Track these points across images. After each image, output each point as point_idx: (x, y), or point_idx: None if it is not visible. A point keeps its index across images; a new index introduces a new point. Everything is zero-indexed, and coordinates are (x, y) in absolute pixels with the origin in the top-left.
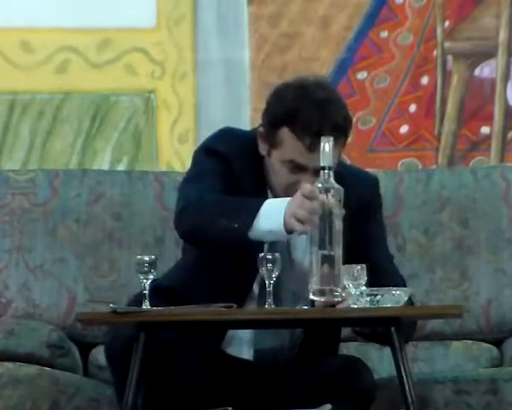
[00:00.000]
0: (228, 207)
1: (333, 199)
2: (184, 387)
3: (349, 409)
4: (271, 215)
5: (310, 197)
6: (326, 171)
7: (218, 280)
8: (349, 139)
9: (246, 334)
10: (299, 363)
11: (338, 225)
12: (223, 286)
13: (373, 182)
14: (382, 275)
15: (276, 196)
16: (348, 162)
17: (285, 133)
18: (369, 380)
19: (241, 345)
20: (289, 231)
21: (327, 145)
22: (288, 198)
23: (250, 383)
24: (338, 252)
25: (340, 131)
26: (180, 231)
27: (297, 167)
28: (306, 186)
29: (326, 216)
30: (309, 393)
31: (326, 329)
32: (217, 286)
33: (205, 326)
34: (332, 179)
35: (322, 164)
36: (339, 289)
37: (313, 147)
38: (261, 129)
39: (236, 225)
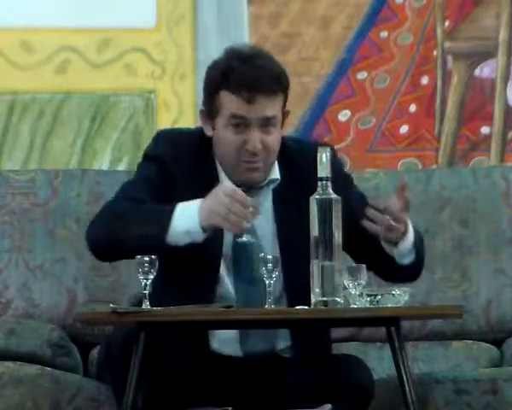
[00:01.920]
0: (141, 214)
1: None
2: (180, 387)
3: (348, 408)
4: (186, 215)
5: (230, 195)
6: (324, 182)
7: (184, 281)
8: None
9: (232, 334)
10: (295, 362)
11: (337, 234)
12: (190, 287)
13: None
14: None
15: (230, 176)
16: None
17: (223, 96)
18: (368, 378)
19: (229, 344)
20: (206, 230)
21: (324, 156)
22: (200, 199)
23: (245, 381)
24: (338, 262)
25: (276, 82)
26: (90, 244)
27: (240, 124)
28: (226, 185)
29: (326, 226)
30: (307, 392)
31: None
32: (185, 287)
33: (205, 326)
34: (330, 190)
35: (319, 175)
36: (340, 300)
37: (252, 99)
38: (202, 108)
39: (152, 231)
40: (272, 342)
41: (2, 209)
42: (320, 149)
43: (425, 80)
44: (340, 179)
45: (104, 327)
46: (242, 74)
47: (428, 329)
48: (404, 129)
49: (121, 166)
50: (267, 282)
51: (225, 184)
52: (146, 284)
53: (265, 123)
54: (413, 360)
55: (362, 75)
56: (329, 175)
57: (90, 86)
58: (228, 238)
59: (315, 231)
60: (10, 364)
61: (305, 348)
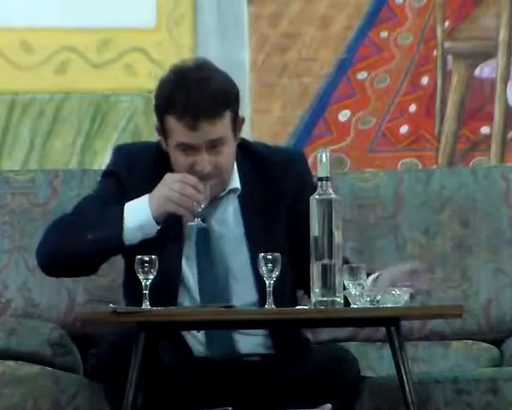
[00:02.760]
0: (90, 220)
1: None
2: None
3: (336, 398)
4: (136, 211)
5: (181, 181)
6: (324, 182)
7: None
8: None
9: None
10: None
11: (337, 234)
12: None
13: (301, 159)
14: None
15: None
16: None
17: (169, 120)
18: (355, 367)
19: (195, 344)
20: (159, 221)
21: (323, 156)
22: (147, 194)
23: (234, 383)
24: (338, 262)
25: (220, 103)
26: (40, 258)
27: (188, 148)
28: (175, 174)
29: (326, 226)
30: (296, 387)
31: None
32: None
33: (204, 326)
34: (330, 190)
35: (319, 175)
36: (340, 300)
37: (195, 126)
38: (156, 124)
39: (106, 234)
40: (235, 346)
41: (2, 209)
42: (320, 149)
43: (425, 80)
44: (309, 191)
45: (104, 327)
46: (185, 99)
47: (428, 329)
48: (404, 129)
49: None
50: (267, 282)
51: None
52: (146, 284)
53: (213, 144)
54: (413, 360)
55: (362, 75)
56: (329, 175)
57: (90, 86)
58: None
59: (315, 231)
60: (11, 363)
61: (284, 348)
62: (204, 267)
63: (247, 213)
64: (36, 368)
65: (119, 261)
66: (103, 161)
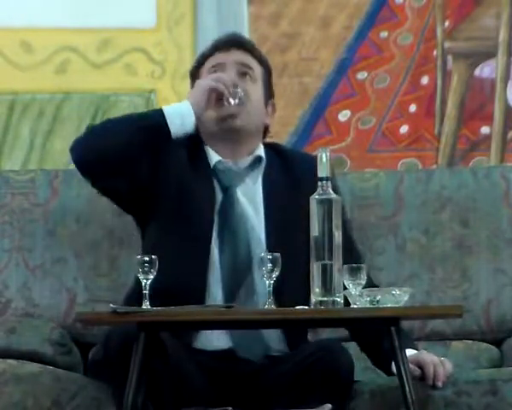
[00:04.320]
0: (132, 116)
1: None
2: (180, 389)
3: (329, 391)
4: (175, 104)
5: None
6: (324, 181)
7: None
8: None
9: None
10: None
11: (337, 234)
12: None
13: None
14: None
15: (217, 150)
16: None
17: (203, 67)
18: (347, 359)
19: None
20: (198, 109)
21: (324, 156)
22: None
23: (233, 378)
24: (338, 262)
25: (253, 48)
26: (77, 148)
27: (219, 70)
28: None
29: (326, 226)
30: (291, 379)
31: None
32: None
33: (205, 326)
34: (330, 190)
35: (319, 175)
36: (340, 300)
37: (228, 49)
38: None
39: (147, 113)
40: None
41: (2, 209)
42: (320, 149)
43: (425, 80)
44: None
45: (104, 327)
46: (219, 39)
47: (428, 329)
48: (404, 129)
49: None
50: (267, 282)
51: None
52: (146, 284)
53: (243, 70)
54: None
55: (362, 75)
56: (329, 175)
57: (90, 86)
58: (219, 196)
59: (315, 231)
60: (12, 361)
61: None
62: (226, 231)
63: (268, 196)
64: (36, 367)
65: (119, 261)
66: None
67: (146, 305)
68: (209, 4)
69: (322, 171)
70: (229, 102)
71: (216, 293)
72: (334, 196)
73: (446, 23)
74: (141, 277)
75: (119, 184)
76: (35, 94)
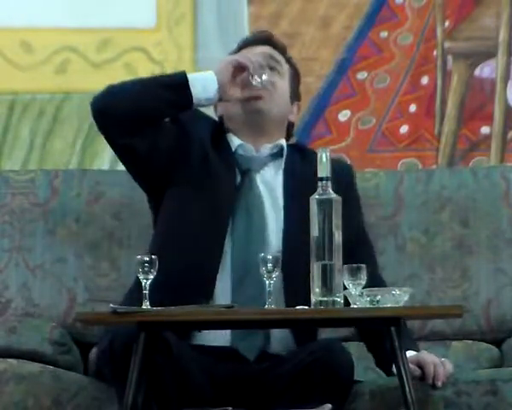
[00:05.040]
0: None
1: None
2: (183, 387)
3: (329, 390)
4: (200, 72)
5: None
6: (324, 182)
7: (190, 243)
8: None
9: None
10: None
11: (337, 235)
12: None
13: (350, 168)
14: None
15: (240, 136)
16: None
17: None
18: (347, 359)
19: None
20: (221, 80)
21: (324, 156)
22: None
23: (234, 376)
24: (338, 262)
25: (281, 46)
26: (102, 103)
27: (241, 68)
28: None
29: (326, 226)
30: (291, 378)
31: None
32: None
33: (205, 326)
34: (330, 190)
35: (319, 175)
36: (340, 300)
37: (257, 43)
38: None
39: (170, 77)
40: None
41: (2, 209)
42: (320, 149)
43: (425, 80)
44: (353, 200)
45: (104, 327)
46: (253, 34)
47: (428, 329)
48: (404, 129)
49: (121, 166)
50: (267, 282)
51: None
52: (146, 284)
53: (271, 63)
54: None
55: (362, 75)
56: (329, 175)
57: (90, 86)
58: (238, 177)
59: (315, 231)
60: (12, 361)
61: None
62: (240, 214)
63: (288, 190)
64: (37, 366)
65: (119, 261)
66: (103, 161)
67: (146, 305)
68: (209, 4)
69: (323, 171)
70: (254, 80)
71: (226, 273)
72: (334, 195)
73: (446, 23)
74: (141, 277)
75: (138, 144)
76: (35, 94)
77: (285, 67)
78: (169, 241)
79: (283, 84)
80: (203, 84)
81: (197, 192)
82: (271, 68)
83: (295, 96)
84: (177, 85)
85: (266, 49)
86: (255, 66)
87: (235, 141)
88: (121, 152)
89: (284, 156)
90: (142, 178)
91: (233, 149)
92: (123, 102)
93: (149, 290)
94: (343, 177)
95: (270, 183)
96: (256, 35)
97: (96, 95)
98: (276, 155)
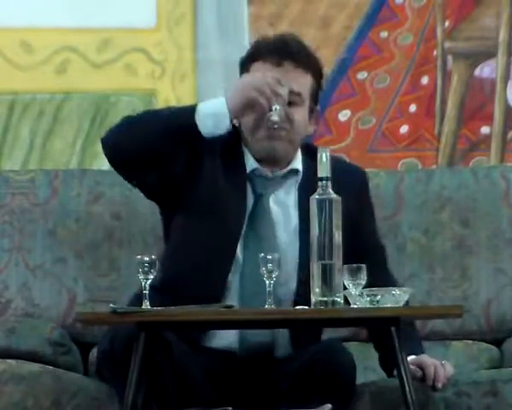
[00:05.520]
0: (164, 109)
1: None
2: (184, 386)
3: (331, 391)
4: (210, 102)
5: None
6: (324, 181)
7: (202, 256)
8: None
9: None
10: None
11: (337, 235)
12: (207, 261)
13: (365, 176)
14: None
15: (254, 155)
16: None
17: (254, 67)
18: (349, 358)
19: (227, 338)
20: (234, 112)
21: (324, 156)
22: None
23: (239, 377)
24: (338, 262)
25: (306, 57)
26: (108, 140)
27: None
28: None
29: (326, 226)
30: (293, 379)
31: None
32: (201, 263)
33: (205, 326)
34: (330, 190)
35: (319, 175)
36: (340, 300)
37: (279, 62)
38: None
39: (179, 111)
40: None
41: (2, 209)
42: (320, 149)
43: (425, 80)
44: (366, 206)
45: (104, 327)
46: (273, 42)
47: (428, 329)
48: (404, 129)
49: None
50: (267, 282)
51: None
52: (146, 284)
53: (291, 99)
54: None
55: (362, 75)
56: (329, 175)
57: (90, 86)
58: (250, 200)
59: (315, 231)
60: (12, 361)
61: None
62: (251, 239)
63: (304, 207)
64: (37, 367)
65: (119, 262)
66: (103, 161)
67: (146, 305)
68: (209, 4)
69: (323, 171)
70: (270, 118)
71: (233, 298)
72: (334, 195)
73: (446, 23)
74: (141, 277)
75: (149, 178)
76: (35, 94)
77: (306, 90)
78: (179, 260)
79: (302, 113)
80: (214, 121)
81: (206, 220)
82: (291, 103)
83: (315, 103)
84: (188, 126)
85: (287, 73)
86: (271, 102)
87: (250, 162)
88: (132, 184)
89: (300, 174)
90: (153, 199)
91: (247, 171)
92: (131, 145)
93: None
94: (357, 185)
95: (284, 202)
96: (278, 46)
97: (106, 133)
98: (292, 173)
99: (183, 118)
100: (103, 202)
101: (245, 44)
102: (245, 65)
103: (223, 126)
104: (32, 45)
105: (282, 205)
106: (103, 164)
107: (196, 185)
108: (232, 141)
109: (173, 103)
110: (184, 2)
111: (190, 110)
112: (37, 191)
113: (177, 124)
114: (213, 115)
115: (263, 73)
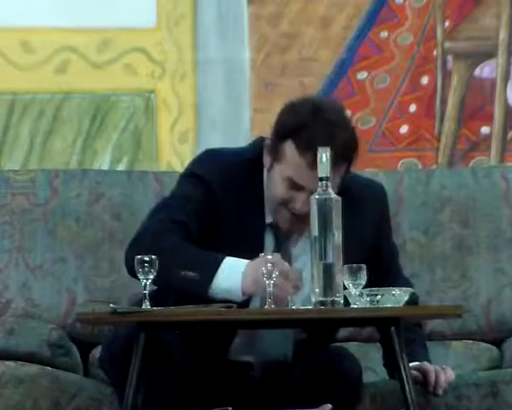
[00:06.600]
0: (187, 258)
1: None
2: (183, 388)
3: (336, 395)
4: (230, 275)
5: (283, 274)
6: (324, 182)
7: None
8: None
9: (250, 343)
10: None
11: (337, 235)
12: None
13: (384, 193)
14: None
15: (273, 216)
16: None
17: (289, 146)
18: (355, 364)
19: (245, 352)
20: (245, 294)
21: (324, 156)
22: (247, 261)
23: (249, 384)
24: (338, 262)
25: (342, 156)
26: (128, 267)
27: (295, 186)
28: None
29: (326, 226)
30: (300, 383)
31: (325, 331)
32: None
33: (205, 326)
34: (330, 190)
35: (319, 175)
36: (340, 300)
37: (314, 165)
38: (268, 141)
39: (196, 279)
40: (285, 349)
41: (2, 209)
42: (320, 149)
43: (425, 80)
44: (387, 220)
45: (104, 327)
46: (313, 137)
47: (428, 329)
48: (404, 129)
49: (121, 166)
50: (267, 282)
51: (268, 256)
52: (146, 284)
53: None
54: None
55: (362, 75)
56: (329, 175)
57: (90, 86)
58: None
59: (315, 231)
60: (11, 363)
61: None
62: None
63: None
64: (36, 368)
65: (119, 262)
66: (103, 161)
67: (146, 305)
68: (209, 4)
69: (322, 171)
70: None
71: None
72: (334, 195)
73: (446, 23)
74: (141, 277)
75: None
76: (35, 94)
77: (338, 177)
78: None
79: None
80: (227, 294)
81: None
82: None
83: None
84: (199, 295)
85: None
86: (288, 298)
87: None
88: None
89: None
90: None
91: (266, 222)
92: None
93: None
94: (377, 198)
95: (307, 251)
96: (317, 136)
97: (128, 250)
98: None
99: (197, 289)
100: (103, 202)
101: (245, 44)
102: (283, 133)
103: (234, 299)
104: (31, 45)
105: (304, 246)
106: (103, 164)
107: (216, 227)
108: (252, 186)
109: (173, 103)
110: (184, 2)
111: (204, 283)
112: (38, 191)
113: (190, 290)
114: (227, 292)
115: (287, 274)
